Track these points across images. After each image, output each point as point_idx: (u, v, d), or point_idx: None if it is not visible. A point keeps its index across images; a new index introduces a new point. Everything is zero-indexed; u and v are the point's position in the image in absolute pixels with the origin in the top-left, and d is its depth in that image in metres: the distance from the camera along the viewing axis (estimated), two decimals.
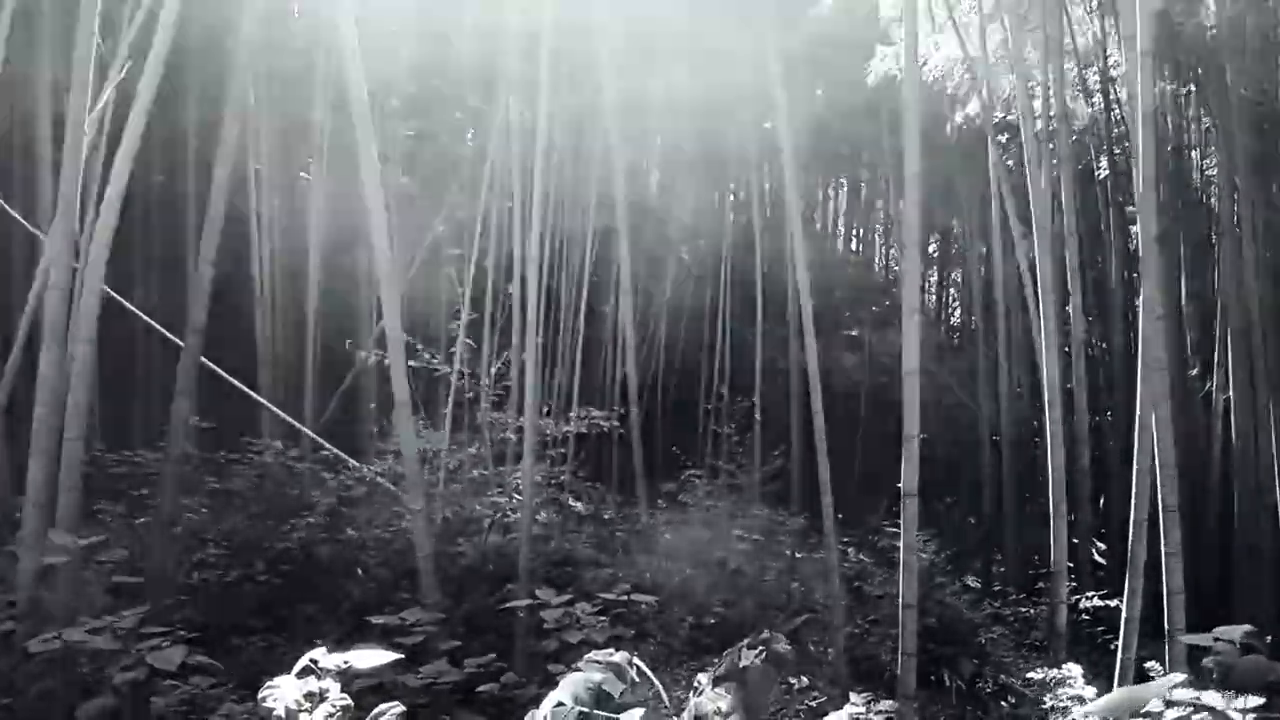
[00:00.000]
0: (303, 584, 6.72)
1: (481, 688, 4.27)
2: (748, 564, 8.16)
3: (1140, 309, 5.15)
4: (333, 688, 2.14)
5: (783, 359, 14.98)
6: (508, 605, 5.31)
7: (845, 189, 24.27)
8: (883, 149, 18.20)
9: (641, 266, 15.95)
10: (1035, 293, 10.15)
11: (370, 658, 2.26)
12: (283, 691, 2.10)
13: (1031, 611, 7.60)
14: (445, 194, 12.71)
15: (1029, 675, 4.10)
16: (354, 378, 11.57)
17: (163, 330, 6.51)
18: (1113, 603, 6.69)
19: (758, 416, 11.42)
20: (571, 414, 9.67)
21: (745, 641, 2.99)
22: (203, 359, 8.40)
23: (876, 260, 23.91)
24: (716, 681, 2.78)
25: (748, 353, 14.20)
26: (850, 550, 9.58)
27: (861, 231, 24.69)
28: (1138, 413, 5.09)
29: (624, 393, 10.95)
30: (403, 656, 2.87)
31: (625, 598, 5.15)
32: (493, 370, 9.08)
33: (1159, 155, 5.43)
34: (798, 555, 9.62)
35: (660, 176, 20.61)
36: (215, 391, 9.40)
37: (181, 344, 5.51)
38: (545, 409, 10.34)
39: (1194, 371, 11.97)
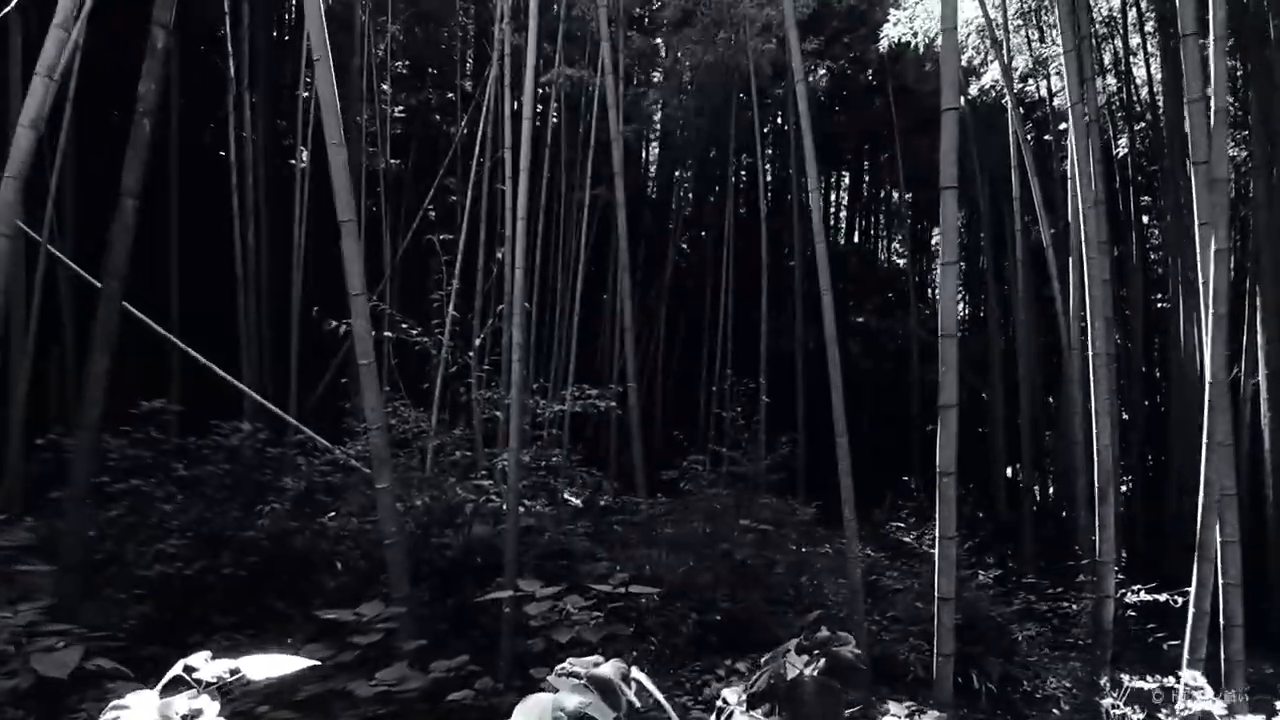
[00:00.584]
0: (272, 577, 6.16)
1: (452, 696, 3.62)
2: (754, 556, 7.56)
3: (1208, 251, 4.53)
4: (209, 707, 1.51)
5: (788, 341, 14.42)
6: (487, 597, 4.66)
7: (848, 179, 24.01)
8: (885, 131, 17.65)
9: (641, 246, 15.39)
10: (1056, 269, 9.60)
11: (270, 665, 1.62)
12: (133, 713, 1.47)
13: (1073, 607, 6.98)
14: (436, 174, 12.18)
15: (1137, 685, 3.46)
16: (341, 357, 11.03)
17: (88, 277, 5.88)
18: (1162, 596, 6.10)
19: (764, 399, 10.80)
20: (566, 393, 9.03)
21: (792, 644, 2.14)
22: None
23: (879, 252, 23.63)
24: (754, 701, 1.97)
25: (751, 334, 13.63)
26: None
27: (864, 223, 24.42)
28: (1208, 379, 4.47)
29: (623, 373, 10.34)
30: (317, 663, 2.23)
31: (622, 590, 4.52)
32: (478, 340, 8.44)
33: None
34: (804, 549, 9.04)
35: (660, 156, 20.09)
36: (196, 379, 8.84)
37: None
38: (537, 386, 9.73)
39: None
